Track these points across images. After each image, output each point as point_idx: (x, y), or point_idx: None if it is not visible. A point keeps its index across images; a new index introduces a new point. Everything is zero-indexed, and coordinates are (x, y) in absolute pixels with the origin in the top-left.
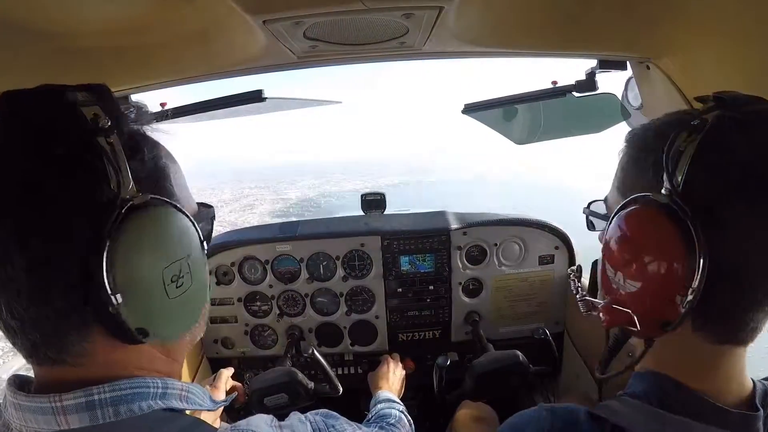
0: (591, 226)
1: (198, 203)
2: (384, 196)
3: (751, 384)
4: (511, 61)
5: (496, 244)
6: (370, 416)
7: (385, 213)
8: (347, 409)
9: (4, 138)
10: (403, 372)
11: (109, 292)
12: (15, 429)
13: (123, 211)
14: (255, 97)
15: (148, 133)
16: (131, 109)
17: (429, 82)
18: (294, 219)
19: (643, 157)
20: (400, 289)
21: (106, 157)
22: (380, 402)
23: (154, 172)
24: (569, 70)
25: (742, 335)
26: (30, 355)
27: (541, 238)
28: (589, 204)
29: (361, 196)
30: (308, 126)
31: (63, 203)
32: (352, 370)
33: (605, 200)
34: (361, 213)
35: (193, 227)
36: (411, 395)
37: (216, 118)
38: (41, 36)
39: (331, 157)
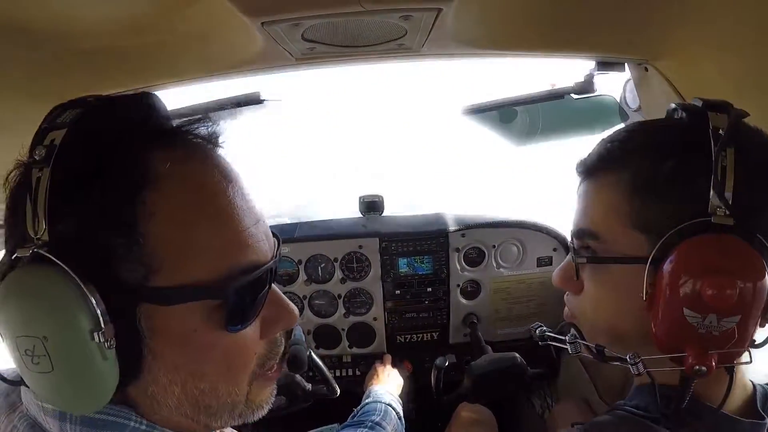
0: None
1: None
2: (382, 198)
3: (752, 387)
4: (507, 62)
5: (494, 246)
6: (354, 414)
7: (383, 215)
8: (346, 412)
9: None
10: (395, 371)
11: None
12: (24, 404)
13: (11, 258)
14: (253, 99)
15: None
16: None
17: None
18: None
19: (670, 183)
20: (398, 291)
21: (29, 195)
22: (367, 398)
23: (106, 213)
24: (567, 71)
25: None
26: None
27: (540, 240)
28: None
29: (359, 198)
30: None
31: None
32: (350, 372)
33: (591, 249)
34: (359, 215)
35: (85, 304)
36: (409, 397)
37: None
38: (38, 37)
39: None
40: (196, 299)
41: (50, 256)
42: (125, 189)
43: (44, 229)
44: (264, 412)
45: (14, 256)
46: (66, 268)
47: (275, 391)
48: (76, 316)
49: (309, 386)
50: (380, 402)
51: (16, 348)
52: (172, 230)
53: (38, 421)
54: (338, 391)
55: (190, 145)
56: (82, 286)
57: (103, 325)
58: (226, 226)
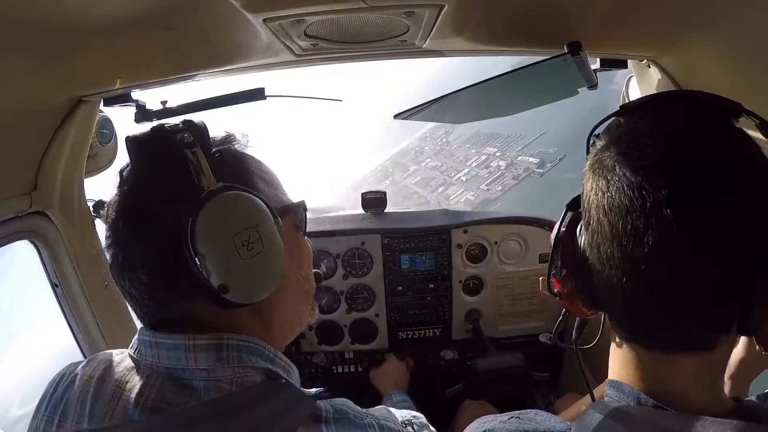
0: None
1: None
2: (385, 194)
3: (731, 402)
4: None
5: (496, 243)
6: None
7: (385, 211)
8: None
9: (128, 167)
10: (402, 366)
11: (193, 256)
12: (145, 366)
13: (202, 196)
14: (257, 95)
15: (238, 147)
16: (228, 137)
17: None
18: None
19: None
20: (400, 288)
21: (190, 162)
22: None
23: (237, 173)
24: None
25: (654, 339)
26: (146, 316)
27: (541, 236)
28: None
29: (362, 194)
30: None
31: (159, 197)
32: (352, 369)
33: None
34: (362, 211)
35: (265, 207)
36: (411, 393)
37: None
38: (43, 34)
39: None
40: (288, 213)
41: (239, 185)
42: (243, 170)
43: (212, 176)
44: (305, 325)
45: (206, 189)
46: (247, 189)
47: (314, 313)
48: (267, 211)
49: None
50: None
51: (233, 247)
52: (265, 185)
53: (174, 370)
54: None
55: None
56: (259, 197)
57: (278, 218)
58: (281, 186)
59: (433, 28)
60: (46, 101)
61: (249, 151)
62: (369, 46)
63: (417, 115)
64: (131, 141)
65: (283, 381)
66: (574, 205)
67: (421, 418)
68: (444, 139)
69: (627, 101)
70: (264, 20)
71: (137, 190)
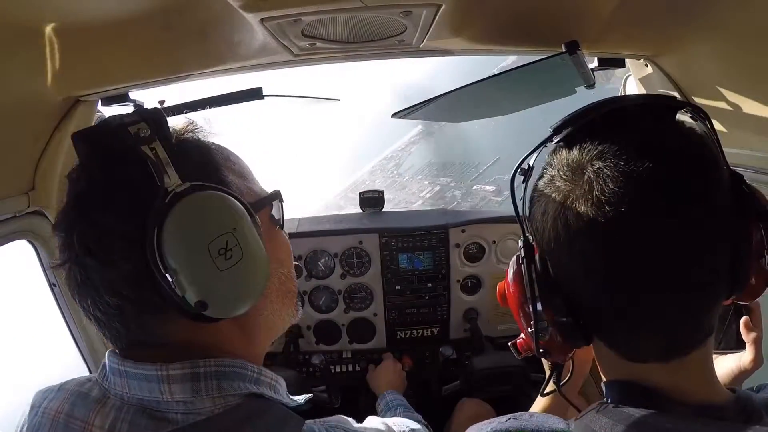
0: None
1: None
2: (382, 193)
3: (725, 391)
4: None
5: (494, 242)
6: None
7: (383, 210)
8: (346, 407)
9: (78, 170)
10: (398, 367)
11: (163, 271)
12: (115, 396)
13: (167, 200)
14: (254, 94)
15: (201, 137)
16: (186, 121)
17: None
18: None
19: None
20: (398, 287)
21: (149, 160)
22: (398, 408)
23: (204, 167)
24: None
25: (652, 352)
26: (116, 339)
27: None
28: None
29: (360, 193)
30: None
31: (116, 205)
32: (350, 368)
33: None
34: (360, 210)
35: (240, 205)
36: (408, 392)
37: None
38: (40, 34)
39: None
40: (263, 207)
41: (207, 184)
42: (210, 163)
43: (176, 175)
44: (288, 327)
45: (171, 191)
46: (218, 186)
47: (298, 313)
48: (242, 210)
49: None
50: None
51: (208, 257)
52: (235, 178)
53: (147, 402)
54: (339, 401)
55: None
56: (232, 194)
57: (255, 215)
58: (252, 176)
59: (430, 27)
60: (43, 101)
61: (214, 139)
62: (367, 46)
63: (414, 114)
64: (79, 138)
65: (269, 399)
66: (530, 256)
67: (418, 428)
68: (395, 171)
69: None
70: (261, 20)
71: (90, 198)
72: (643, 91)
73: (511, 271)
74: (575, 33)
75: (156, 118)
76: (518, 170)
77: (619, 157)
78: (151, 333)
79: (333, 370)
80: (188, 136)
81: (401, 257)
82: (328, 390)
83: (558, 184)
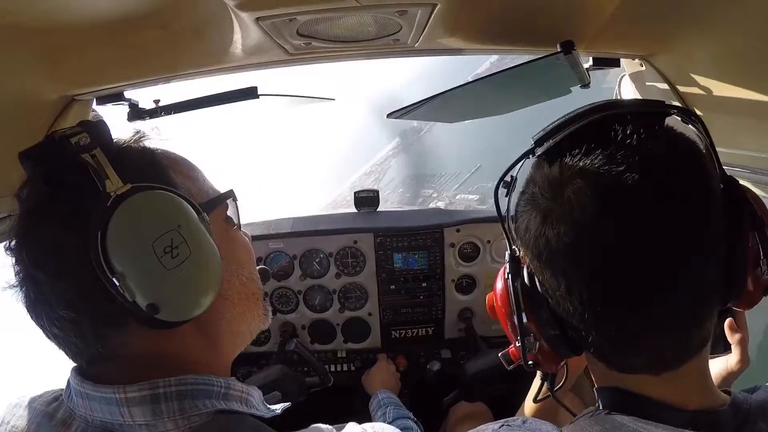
0: None
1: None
2: (377, 193)
3: (722, 395)
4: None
5: (489, 241)
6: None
7: (378, 210)
8: (341, 407)
9: (25, 187)
10: (391, 369)
11: (110, 277)
12: (80, 417)
13: (108, 203)
14: (249, 93)
15: (145, 143)
16: (135, 135)
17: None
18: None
19: None
20: (393, 286)
21: (90, 167)
22: (389, 406)
23: (147, 170)
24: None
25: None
26: (76, 356)
27: None
28: None
29: (354, 193)
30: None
31: (60, 215)
32: (345, 368)
33: None
34: (355, 210)
35: (186, 203)
36: (403, 393)
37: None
38: (34, 33)
39: None
40: (215, 206)
41: (151, 184)
42: (154, 166)
43: (117, 178)
44: (257, 332)
45: (114, 193)
46: (162, 186)
47: (267, 318)
48: (188, 208)
49: (302, 379)
50: (409, 419)
51: (154, 256)
52: (183, 179)
53: (110, 425)
54: (332, 379)
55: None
56: (176, 192)
57: (203, 213)
58: (203, 178)
59: (425, 26)
60: (38, 100)
61: (165, 146)
62: (362, 45)
63: (410, 114)
64: (24, 156)
65: (239, 413)
66: (516, 270)
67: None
68: (375, 186)
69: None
70: (257, 19)
71: (36, 212)
72: (637, 90)
73: (499, 283)
74: (570, 32)
75: (97, 127)
76: (501, 183)
77: (601, 174)
78: (111, 346)
79: (328, 370)
80: (132, 143)
81: (396, 257)
82: (317, 373)
83: (539, 201)
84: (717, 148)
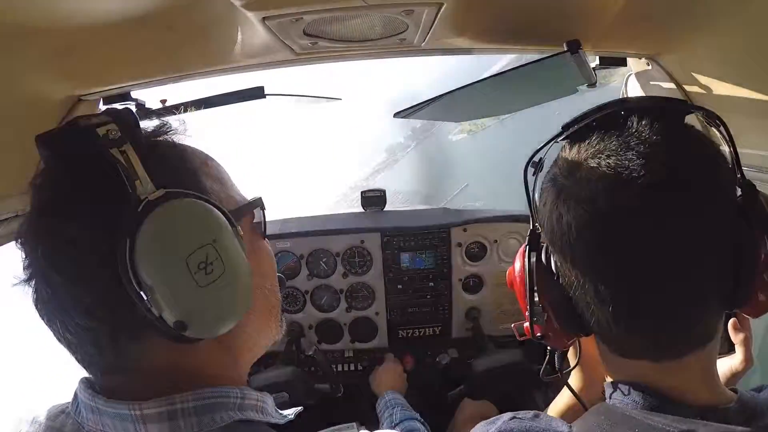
0: None
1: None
2: (384, 192)
3: (730, 393)
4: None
5: (496, 241)
6: (393, 426)
7: (385, 210)
8: (348, 407)
9: (43, 176)
10: (399, 369)
11: (137, 289)
12: None
13: (140, 209)
14: (256, 93)
15: (174, 139)
16: (159, 123)
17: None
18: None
19: None
20: (400, 286)
21: (120, 165)
22: (396, 407)
23: (180, 172)
24: None
25: (654, 350)
26: (89, 365)
27: None
28: None
29: (361, 192)
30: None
31: (83, 215)
32: (352, 367)
33: None
34: (361, 210)
35: (220, 213)
36: (410, 392)
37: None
38: (41, 33)
39: None
40: (243, 215)
41: (183, 191)
42: (186, 168)
43: (148, 180)
44: (272, 343)
45: (144, 199)
46: (195, 193)
47: (282, 329)
48: (223, 220)
49: (313, 384)
50: (416, 420)
51: (187, 273)
52: (213, 183)
53: None
54: (342, 389)
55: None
56: (211, 201)
57: (236, 225)
58: (231, 182)
59: (432, 26)
60: (44, 100)
61: (189, 142)
62: (368, 45)
63: (417, 113)
64: (42, 141)
65: (254, 422)
66: (533, 244)
67: None
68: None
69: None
70: (263, 19)
71: (55, 207)
72: (644, 90)
73: (518, 258)
74: (577, 32)
75: (127, 118)
76: (529, 163)
77: (616, 156)
78: (128, 358)
79: (335, 370)
80: (162, 138)
81: (403, 256)
82: (329, 380)
83: (558, 180)
84: (721, 148)
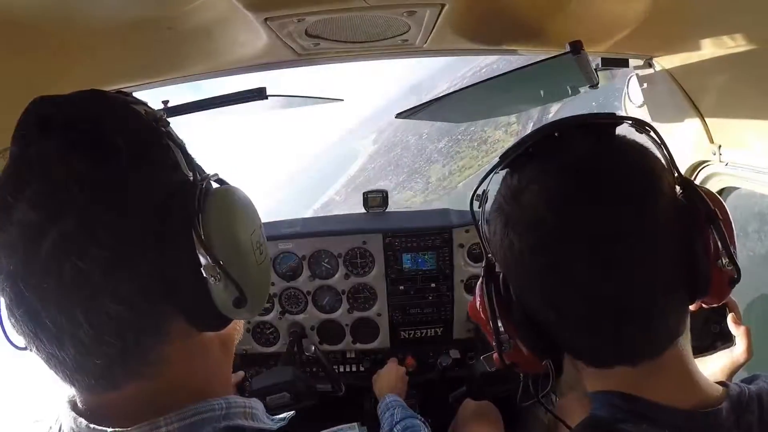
0: None
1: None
2: (386, 193)
3: (717, 389)
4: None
5: None
6: (393, 425)
7: (387, 211)
8: (350, 407)
9: (54, 144)
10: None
11: (210, 264)
12: None
13: (198, 192)
14: (258, 95)
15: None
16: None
17: None
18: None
19: None
20: (401, 287)
21: (172, 142)
22: (396, 408)
23: (188, 158)
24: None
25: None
26: (101, 377)
27: None
28: None
29: (363, 193)
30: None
31: (134, 191)
32: (354, 368)
33: None
34: (363, 211)
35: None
36: (412, 393)
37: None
38: (42, 34)
39: None
40: None
41: (224, 179)
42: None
43: (185, 166)
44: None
45: (206, 178)
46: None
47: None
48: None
49: (314, 384)
50: (416, 419)
51: (251, 249)
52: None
53: None
54: (343, 389)
55: None
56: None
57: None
58: None
59: (434, 27)
60: None
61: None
62: (370, 46)
63: (419, 114)
64: (81, 100)
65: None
66: (490, 274)
67: None
68: None
69: (629, 100)
70: (265, 19)
71: (106, 178)
72: (645, 91)
73: (477, 290)
74: (579, 33)
75: (145, 103)
76: (474, 196)
77: (557, 179)
78: (148, 357)
79: (337, 371)
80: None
81: (405, 257)
82: (330, 381)
83: (504, 208)
84: (722, 149)
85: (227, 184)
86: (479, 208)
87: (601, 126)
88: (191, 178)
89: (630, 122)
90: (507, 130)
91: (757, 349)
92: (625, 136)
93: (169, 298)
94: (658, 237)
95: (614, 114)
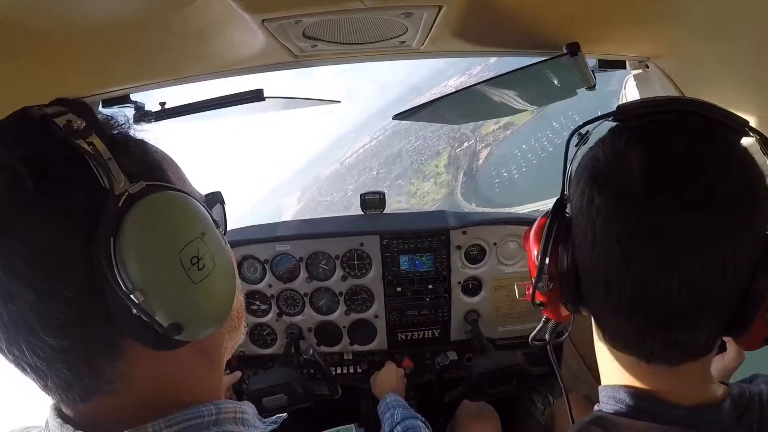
0: None
1: (206, 194)
2: (384, 195)
3: (719, 388)
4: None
5: (495, 244)
6: (394, 426)
7: (384, 212)
8: (347, 409)
9: None
10: (402, 371)
11: (127, 291)
12: None
13: (121, 204)
14: (255, 96)
15: (134, 134)
16: (117, 115)
17: None
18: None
19: None
20: (399, 289)
21: (88, 155)
22: (397, 408)
23: (147, 166)
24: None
25: (648, 350)
26: (65, 392)
27: None
28: None
29: (361, 195)
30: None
31: (52, 216)
32: (351, 370)
33: None
34: (361, 212)
35: (201, 207)
36: (410, 394)
37: (217, 116)
38: (40, 36)
39: None
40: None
41: (164, 183)
42: (153, 162)
43: (121, 173)
44: (240, 342)
45: (124, 193)
46: (173, 186)
47: (243, 333)
48: (205, 213)
49: (310, 386)
50: (417, 419)
51: (180, 267)
52: (177, 179)
53: None
54: (340, 391)
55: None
56: (188, 195)
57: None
58: (187, 177)
59: (431, 29)
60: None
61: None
62: (368, 47)
63: (416, 115)
64: None
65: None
66: (557, 214)
67: None
68: None
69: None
70: (263, 21)
71: (16, 208)
72: (642, 92)
73: (540, 218)
74: (576, 34)
75: (85, 108)
76: (575, 133)
77: (663, 160)
78: (105, 380)
79: (334, 372)
80: (119, 131)
81: (402, 259)
82: (327, 383)
83: (600, 161)
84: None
85: (167, 188)
86: (576, 146)
87: (728, 127)
88: (116, 192)
89: (757, 136)
90: (436, 181)
91: (749, 352)
92: (747, 149)
93: (112, 322)
94: (733, 263)
95: (747, 122)
